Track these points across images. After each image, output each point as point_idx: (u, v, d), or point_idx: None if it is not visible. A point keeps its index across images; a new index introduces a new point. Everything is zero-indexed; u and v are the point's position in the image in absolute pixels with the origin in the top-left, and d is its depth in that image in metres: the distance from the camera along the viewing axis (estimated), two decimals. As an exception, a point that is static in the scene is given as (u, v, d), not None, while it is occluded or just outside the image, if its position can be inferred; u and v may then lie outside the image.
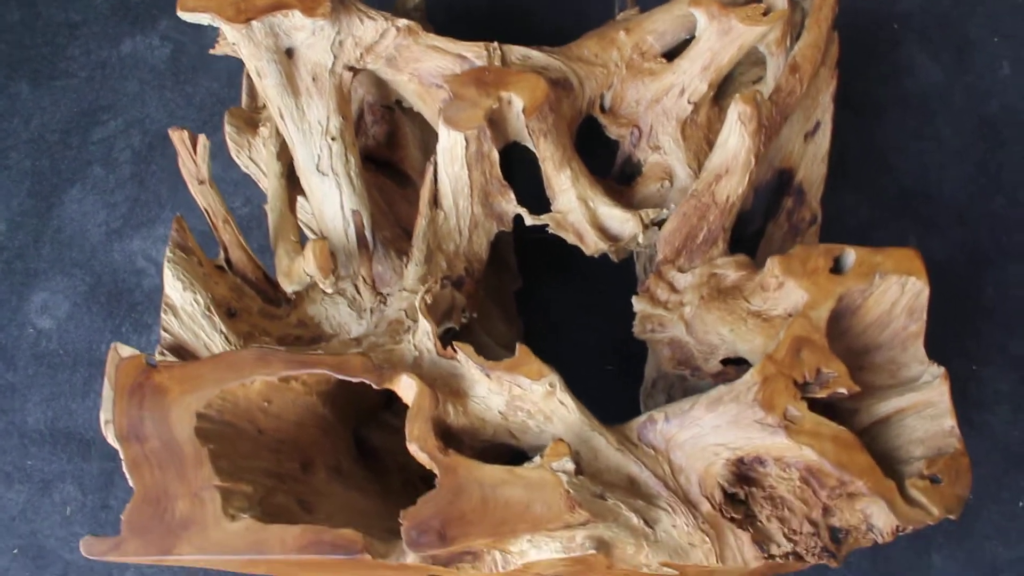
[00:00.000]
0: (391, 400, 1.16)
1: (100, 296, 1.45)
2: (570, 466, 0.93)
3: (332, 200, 1.18)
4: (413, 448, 0.94)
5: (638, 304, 1.14)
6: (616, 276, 1.35)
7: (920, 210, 1.52)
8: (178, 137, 1.10)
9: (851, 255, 1.03)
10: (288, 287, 1.14)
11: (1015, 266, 1.47)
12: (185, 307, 1.09)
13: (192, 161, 1.12)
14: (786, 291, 1.03)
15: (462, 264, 1.16)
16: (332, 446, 1.08)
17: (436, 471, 0.92)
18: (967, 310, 1.45)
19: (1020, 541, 1.33)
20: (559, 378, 0.97)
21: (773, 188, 1.25)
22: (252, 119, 1.32)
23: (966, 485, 0.96)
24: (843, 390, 0.97)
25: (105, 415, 0.97)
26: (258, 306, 1.17)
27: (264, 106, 1.31)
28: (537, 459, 0.94)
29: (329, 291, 1.05)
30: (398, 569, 0.95)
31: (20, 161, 1.54)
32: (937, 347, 1.29)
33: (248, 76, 1.32)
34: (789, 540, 1.00)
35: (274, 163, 1.26)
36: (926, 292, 1.02)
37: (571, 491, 0.92)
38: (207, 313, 1.09)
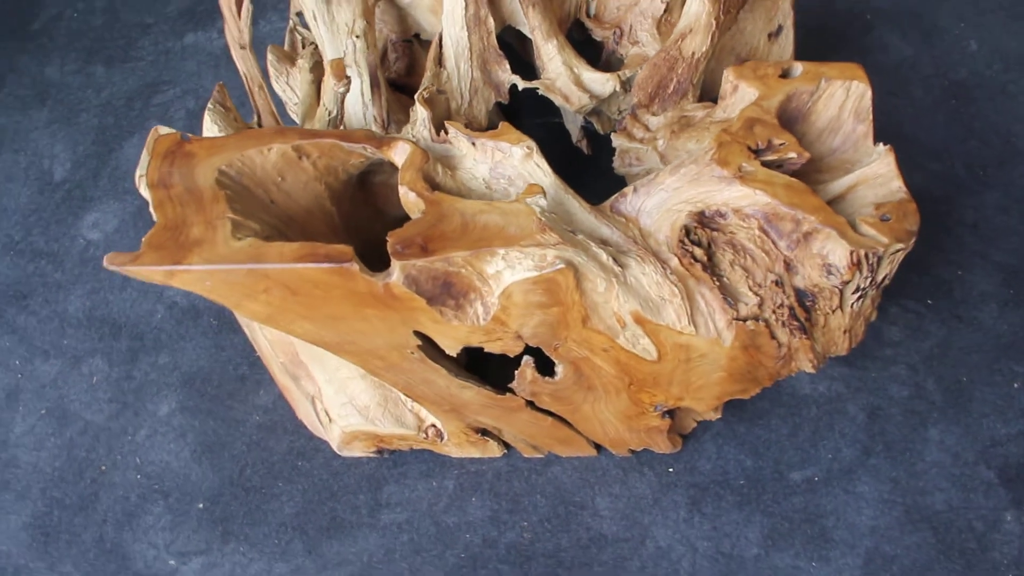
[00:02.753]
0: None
1: (146, 215, 1.62)
2: (543, 202, 1.03)
3: (353, 88, 1.36)
4: (403, 190, 1.05)
5: (617, 140, 1.27)
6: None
7: (898, 150, 1.64)
8: (225, 4, 1.32)
9: (799, 67, 1.16)
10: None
11: (992, 193, 1.57)
12: (218, 148, 1.25)
13: (236, 26, 1.32)
14: (740, 93, 1.16)
15: (463, 123, 1.31)
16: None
17: (422, 205, 1.03)
18: (950, 226, 1.53)
19: (1017, 418, 1.32)
20: (535, 144, 1.09)
21: (742, 78, 1.40)
22: (290, 55, 1.55)
23: (914, 221, 1.02)
24: (793, 155, 1.07)
25: (140, 171, 1.11)
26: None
27: (303, 45, 1.54)
28: (512, 195, 1.05)
29: (340, 90, 1.20)
30: (384, 304, 1.03)
31: (88, 120, 1.77)
32: (923, 255, 1.39)
33: (290, 31, 1.56)
34: (755, 294, 1.06)
35: (307, 74, 1.46)
36: (869, 94, 1.14)
37: (542, 218, 1.01)
38: (237, 155, 1.24)
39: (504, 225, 1.01)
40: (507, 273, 1.00)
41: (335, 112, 1.26)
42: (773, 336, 1.10)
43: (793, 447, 1.32)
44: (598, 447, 1.32)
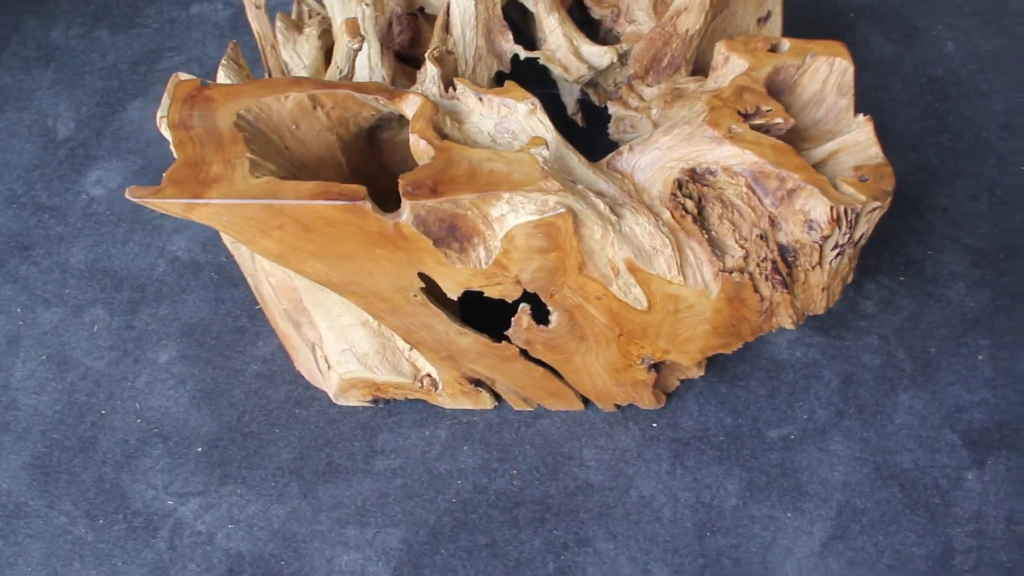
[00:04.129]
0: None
1: (149, 173, 1.66)
2: (545, 153, 1.09)
3: (361, 54, 1.42)
4: (413, 139, 1.11)
5: (613, 108, 1.34)
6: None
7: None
8: (242, -36, 1.37)
9: (786, 43, 1.24)
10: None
11: (963, 181, 1.66)
12: (230, 101, 1.30)
13: (251, -14, 1.37)
14: (731, 64, 1.23)
15: (465, 86, 1.37)
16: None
17: (432, 152, 1.08)
18: (922, 211, 1.62)
19: (980, 387, 1.40)
20: (539, 102, 1.15)
21: (731, 58, 1.48)
22: (297, 24, 1.60)
23: (890, 183, 1.10)
24: (780, 120, 1.14)
25: (161, 112, 1.16)
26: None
27: (309, 16, 1.59)
28: (516, 146, 1.11)
29: (355, 47, 1.25)
30: (392, 244, 1.08)
31: (93, 83, 1.81)
32: (898, 236, 1.47)
33: (297, 1, 1.61)
34: (741, 247, 1.13)
35: (315, 40, 1.52)
36: (851, 70, 1.21)
37: (545, 167, 1.07)
38: (248, 108, 1.29)
39: (509, 172, 1.07)
40: (511, 216, 1.06)
41: (346, 71, 1.32)
42: (756, 289, 1.17)
43: (771, 407, 1.38)
44: (585, 402, 1.38)
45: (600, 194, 1.12)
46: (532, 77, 1.51)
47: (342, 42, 1.28)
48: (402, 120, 1.28)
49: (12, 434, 1.37)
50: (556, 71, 1.40)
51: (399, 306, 1.19)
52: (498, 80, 1.49)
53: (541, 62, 1.40)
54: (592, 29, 1.51)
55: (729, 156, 1.11)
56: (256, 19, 1.38)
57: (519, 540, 1.26)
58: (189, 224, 1.58)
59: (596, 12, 1.50)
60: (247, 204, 1.05)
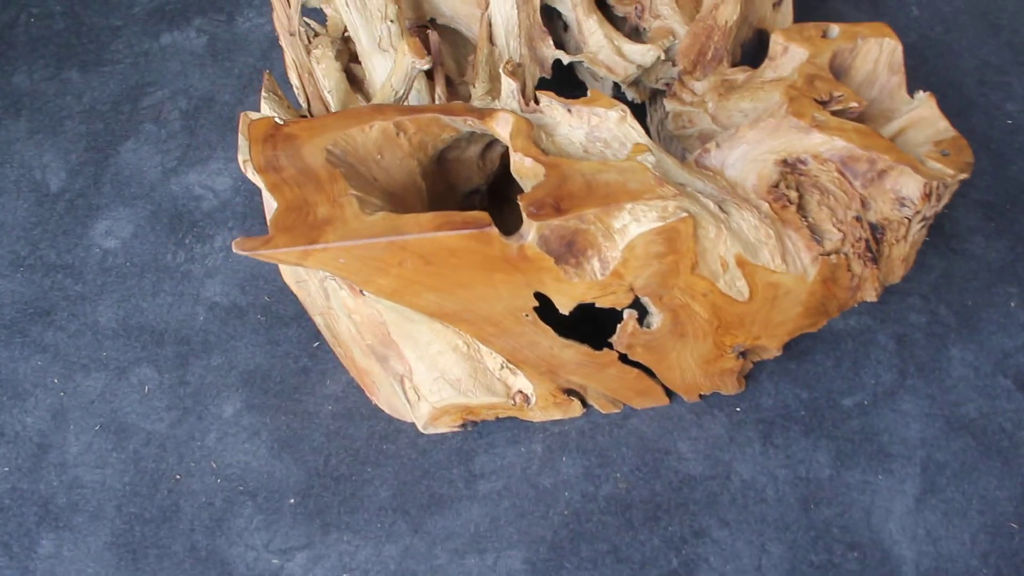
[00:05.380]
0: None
1: (162, 218, 1.57)
2: (652, 158, 1.10)
3: (385, 73, 1.37)
4: (517, 157, 1.09)
5: (669, 104, 1.36)
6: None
7: (865, 108, 1.81)
8: (273, -9, 1.30)
9: (836, 28, 1.28)
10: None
11: (952, 141, 1.75)
12: (280, 134, 1.24)
13: (285, 14, 1.31)
14: (790, 54, 1.26)
15: (513, 96, 1.35)
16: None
17: (542, 168, 1.07)
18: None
19: (1019, 332, 1.50)
20: (628, 108, 1.15)
21: (754, 44, 1.52)
22: (306, 47, 1.54)
23: (968, 155, 1.16)
24: (854, 104, 1.19)
25: (242, 156, 1.10)
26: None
27: (308, 39, 1.53)
28: (608, 157, 1.10)
29: (422, 67, 1.21)
30: (513, 267, 1.06)
31: (75, 127, 1.69)
32: None
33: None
34: (838, 230, 1.17)
35: (332, 63, 1.46)
36: (900, 49, 1.27)
37: (657, 173, 1.08)
38: (299, 140, 1.24)
39: (624, 181, 1.07)
40: (633, 226, 1.06)
41: (401, 92, 1.28)
42: (849, 268, 1.21)
43: (839, 377, 1.44)
44: (669, 394, 1.40)
45: (700, 192, 1.14)
46: (558, 82, 1.51)
47: (403, 63, 1.24)
48: (471, 138, 1.26)
49: (84, 514, 1.27)
50: (601, 72, 1.40)
51: (508, 328, 1.17)
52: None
53: (586, 65, 1.40)
54: (615, 27, 1.52)
55: (819, 144, 1.15)
56: (291, 46, 1.32)
57: (638, 541, 1.27)
58: (219, 267, 1.50)
59: (619, 10, 1.51)
60: (368, 244, 1.01)
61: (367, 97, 1.44)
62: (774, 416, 1.39)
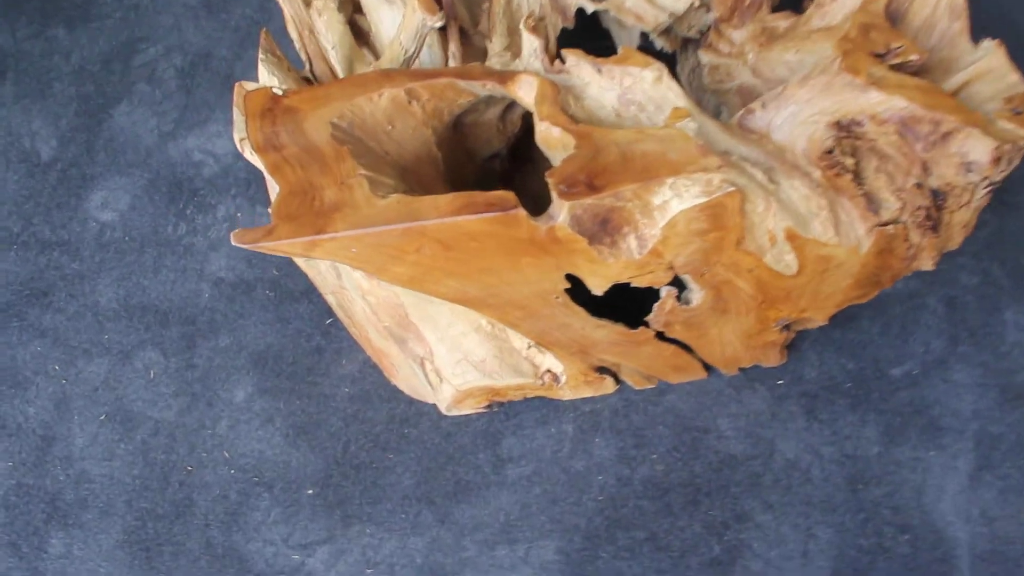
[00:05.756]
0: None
1: (160, 187, 1.47)
2: (693, 124, 0.99)
3: (394, 27, 1.25)
4: (544, 126, 0.98)
5: (705, 56, 1.24)
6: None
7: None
8: (267, -59, 1.18)
9: (892, -34, 1.15)
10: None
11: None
12: (284, 100, 1.13)
13: (280, -34, 1.19)
14: (840, 1, 1.14)
15: (534, 50, 1.23)
16: (442, 191, 1.10)
17: (572, 138, 0.96)
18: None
19: (1076, 291, 1.40)
20: (665, 67, 1.04)
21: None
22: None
23: (1046, 109, 1.04)
24: (914, 56, 1.06)
25: (239, 134, 1.00)
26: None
27: None
28: (660, 122, 1.00)
29: (435, 24, 1.10)
30: (542, 250, 0.97)
31: (64, 89, 1.58)
32: None
33: None
34: (897, 198, 1.06)
35: (335, 16, 1.33)
36: (962, -11, 1.14)
37: (700, 141, 0.97)
38: (304, 106, 1.13)
39: (664, 152, 0.96)
40: (674, 202, 0.96)
41: (411, 51, 1.16)
42: (907, 238, 1.11)
43: (887, 345, 1.35)
44: (707, 368, 1.31)
45: (746, 160, 1.03)
46: (579, 30, 1.38)
47: (413, 19, 1.12)
48: (490, 100, 1.15)
49: (94, 511, 1.21)
50: (629, 21, 1.28)
51: (537, 311, 1.08)
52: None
53: (612, 14, 1.28)
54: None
55: (876, 103, 1.03)
56: (289, 3, 1.20)
57: (678, 528, 1.20)
58: (223, 239, 1.41)
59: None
60: (382, 231, 0.91)
61: (374, 52, 1.33)
62: (818, 389, 1.31)
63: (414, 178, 1.06)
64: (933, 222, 1.10)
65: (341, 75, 1.23)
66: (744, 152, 1.05)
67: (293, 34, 1.25)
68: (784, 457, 1.26)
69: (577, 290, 1.06)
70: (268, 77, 1.16)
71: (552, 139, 0.99)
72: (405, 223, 0.91)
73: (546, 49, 1.07)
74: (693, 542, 1.19)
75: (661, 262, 1.03)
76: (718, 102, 1.28)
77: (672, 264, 1.04)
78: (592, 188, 0.93)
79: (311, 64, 1.24)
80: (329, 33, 1.27)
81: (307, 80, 1.23)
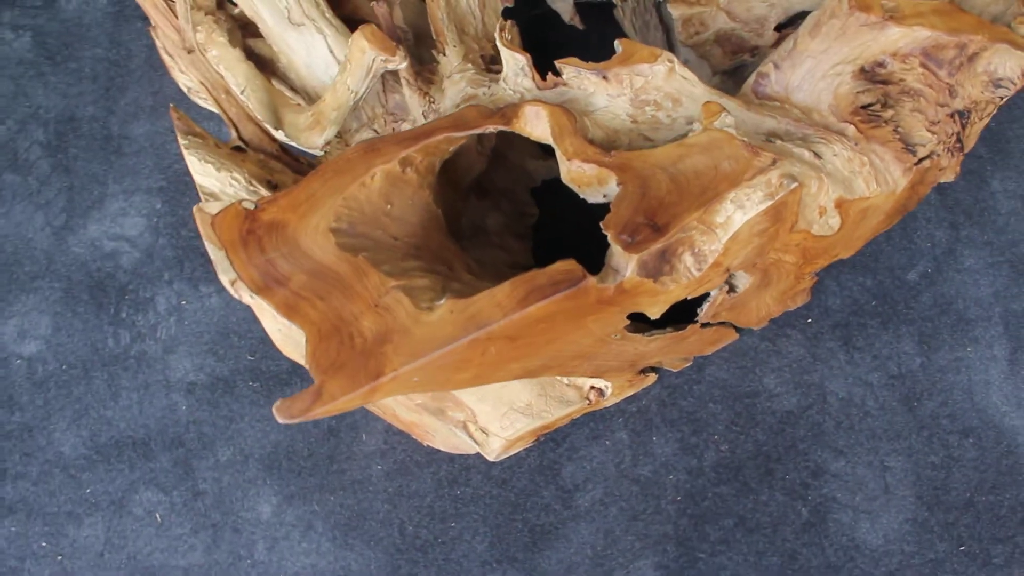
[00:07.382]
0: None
1: (79, 295, 1.24)
2: (730, 120, 0.88)
3: (318, 48, 1.06)
4: (574, 165, 0.85)
5: (675, 9, 1.10)
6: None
7: None
8: (150, 3, 0.95)
9: None
10: (318, 139, 1.02)
11: None
12: (226, 189, 0.95)
13: (174, 29, 0.97)
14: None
15: (487, 45, 1.07)
16: (455, 249, 0.96)
17: (610, 173, 0.84)
18: None
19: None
20: (674, 56, 0.91)
21: None
22: (180, 41, 1.17)
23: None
24: (919, -26, 0.97)
25: (226, 275, 0.82)
26: (291, 178, 1.03)
27: (195, 26, 1.16)
28: (696, 126, 0.88)
29: (402, 65, 0.92)
30: (608, 304, 0.86)
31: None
32: None
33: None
34: (931, 133, 0.99)
35: (229, 51, 1.11)
36: None
37: (745, 139, 0.86)
38: (251, 188, 0.95)
39: (714, 164, 0.86)
40: (738, 215, 0.86)
41: (361, 92, 0.98)
42: (939, 166, 1.05)
43: (895, 249, 1.32)
44: (737, 329, 1.25)
45: (773, 135, 0.94)
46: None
47: (361, 60, 0.94)
48: (472, 129, 0.99)
49: None
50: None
51: (595, 353, 0.98)
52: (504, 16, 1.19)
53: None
54: None
55: (897, 39, 0.95)
56: (194, 67, 0.99)
57: (761, 503, 1.17)
58: (176, 335, 1.22)
59: None
60: (446, 352, 0.78)
61: (290, 85, 1.13)
62: (847, 316, 1.28)
63: (428, 254, 0.91)
64: (961, 143, 1.05)
65: (269, 126, 1.04)
66: (771, 125, 0.95)
67: (202, 101, 1.04)
68: (837, 398, 1.23)
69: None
70: (201, 166, 0.96)
71: (585, 178, 0.86)
72: (470, 335, 0.78)
73: (532, 64, 0.92)
74: (780, 513, 1.17)
75: (720, 270, 0.94)
76: (698, 55, 1.16)
77: (729, 267, 0.95)
78: (656, 230, 0.82)
79: (238, 130, 1.04)
80: (230, 73, 1.06)
81: (238, 150, 1.03)
